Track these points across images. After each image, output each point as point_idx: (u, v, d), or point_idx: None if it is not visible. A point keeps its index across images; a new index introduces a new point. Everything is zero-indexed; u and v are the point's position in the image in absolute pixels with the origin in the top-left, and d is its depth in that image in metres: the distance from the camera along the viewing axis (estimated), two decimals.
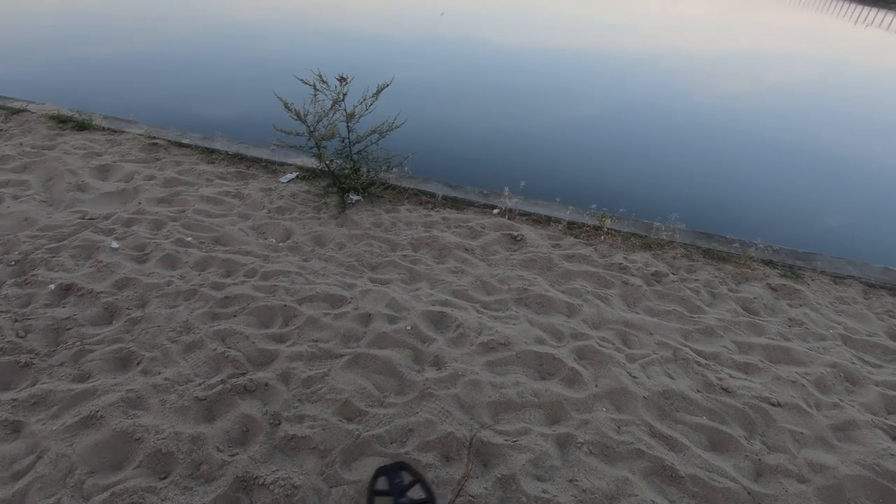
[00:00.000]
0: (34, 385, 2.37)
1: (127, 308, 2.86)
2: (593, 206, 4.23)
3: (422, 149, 5.93)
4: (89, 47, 10.28)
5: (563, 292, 3.33)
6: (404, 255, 3.61)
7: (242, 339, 2.70)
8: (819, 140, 7.92)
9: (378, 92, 4.01)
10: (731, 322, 3.17)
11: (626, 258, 3.76)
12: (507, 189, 4.25)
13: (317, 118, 3.93)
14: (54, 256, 3.21)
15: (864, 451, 2.30)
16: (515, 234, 3.94)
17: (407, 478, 1.43)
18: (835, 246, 4.76)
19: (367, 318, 2.92)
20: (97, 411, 2.21)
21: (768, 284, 3.61)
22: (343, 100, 4.00)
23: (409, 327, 2.84)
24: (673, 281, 3.53)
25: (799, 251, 3.97)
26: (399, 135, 4.27)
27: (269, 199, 4.20)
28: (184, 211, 3.95)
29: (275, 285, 3.13)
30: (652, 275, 3.59)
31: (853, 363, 2.88)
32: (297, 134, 3.96)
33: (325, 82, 3.87)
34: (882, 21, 27.40)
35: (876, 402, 2.63)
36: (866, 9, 31.00)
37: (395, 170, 4.46)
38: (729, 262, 3.83)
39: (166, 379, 2.41)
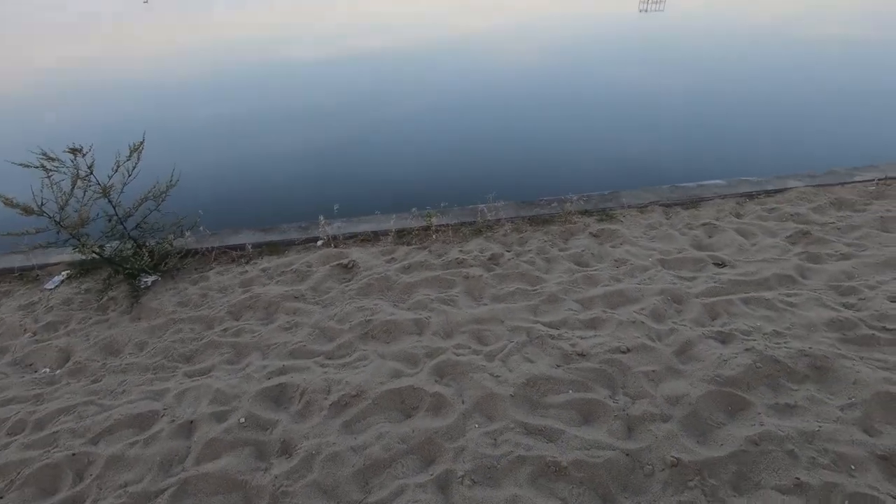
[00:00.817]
0: None
1: None
2: (414, 208, 4.08)
3: (220, 197, 5.29)
4: None
5: (408, 309, 3.12)
6: (224, 330, 3.08)
7: None
8: (596, 84, 8.85)
9: (133, 153, 3.37)
10: (569, 283, 3.25)
11: (461, 250, 3.68)
12: (321, 217, 3.90)
13: (60, 204, 3.16)
14: None
15: (704, 367, 2.45)
16: (346, 261, 3.63)
17: None
18: (636, 178, 5.29)
19: (188, 428, 2.38)
20: None
21: (591, 233, 3.81)
22: (91, 173, 3.29)
23: (242, 419, 2.38)
24: (509, 259, 3.53)
25: (605, 193, 4.28)
26: (186, 189, 3.68)
27: (32, 318, 3.32)
28: None
29: (55, 432, 2.42)
30: (489, 259, 3.55)
31: (674, 284, 3.12)
32: (42, 230, 3.17)
33: (54, 159, 3.12)
34: None
35: (700, 314, 2.86)
36: None
37: (188, 232, 3.83)
38: (553, 223, 3.96)
39: None
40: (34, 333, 3.18)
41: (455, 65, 11.24)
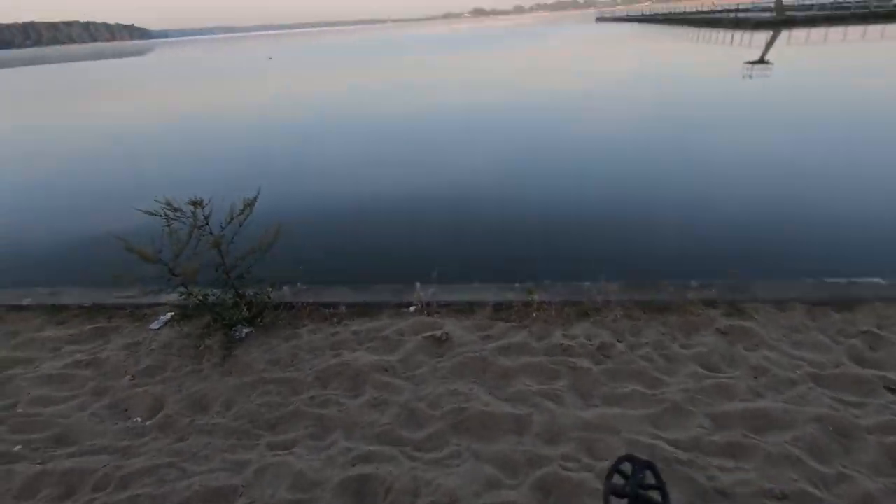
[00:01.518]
0: None
1: None
2: (518, 285, 3.81)
3: (319, 251, 5.37)
4: None
5: (506, 400, 2.80)
6: (311, 399, 2.93)
7: None
8: (721, 163, 8.20)
9: (246, 207, 3.45)
10: (696, 390, 2.77)
11: (565, 335, 3.32)
12: (418, 285, 3.74)
13: (175, 254, 3.26)
14: None
15: None
16: (439, 333, 3.41)
17: (648, 477, 1.09)
18: (767, 264, 4.66)
19: None
20: None
21: (717, 329, 3.31)
22: (206, 224, 3.39)
23: None
24: (622, 352, 3.12)
25: (734, 282, 3.76)
26: (290, 241, 3.71)
27: (134, 360, 3.39)
28: (15, 405, 3.05)
29: (136, 495, 2.32)
30: (598, 349, 3.17)
31: (836, 409, 2.55)
32: (155, 277, 3.27)
33: (176, 209, 3.24)
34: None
35: (879, 458, 2.27)
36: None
37: (285, 287, 3.82)
38: (671, 312, 3.51)
39: None
40: (133, 377, 3.22)
41: (565, 126, 11.09)
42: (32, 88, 35.29)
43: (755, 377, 2.86)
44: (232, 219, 3.42)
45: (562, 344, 3.21)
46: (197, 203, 3.23)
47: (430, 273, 3.83)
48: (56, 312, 4.10)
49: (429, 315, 3.67)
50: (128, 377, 3.23)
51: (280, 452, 2.56)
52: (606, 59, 27.01)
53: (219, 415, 2.87)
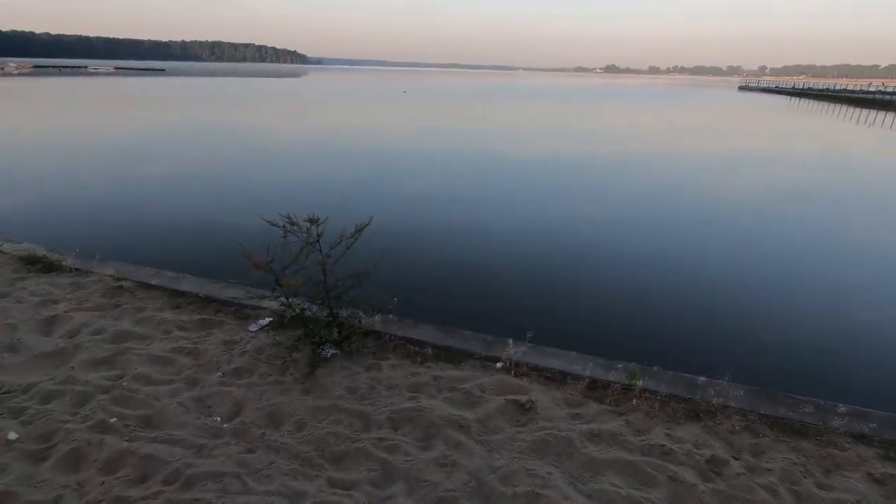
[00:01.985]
0: None
1: None
2: (620, 364, 3.43)
3: (413, 287, 5.35)
4: (77, 182, 10.51)
5: (588, 498, 2.44)
6: (379, 439, 2.80)
7: None
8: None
9: (357, 232, 3.51)
10: None
11: (668, 434, 2.89)
12: (511, 341, 3.52)
13: (283, 265, 3.38)
14: None
15: None
16: (524, 399, 3.14)
17: None
18: None
19: None
20: None
21: (869, 474, 2.66)
22: (317, 241, 3.50)
23: None
24: (739, 473, 2.61)
25: None
26: (387, 273, 3.70)
27: (227, 357, 3.54)
28: (122, 377, 3.29)
29: (196, 500, 2.33)
30: (707, 462, 2.69)
31: None
32: (257, 285, 3.41)
33: (294, 224, 3.38)
34: None
35: None
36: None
37: (377, 316, 3.81)
38: (806, 438, 2.91)
39: None
40: (224, 374, 3.35)
41: (695, 201, 10.26)
42: (203, 95, 41.03)
43: None
44: (341, 240, 3.49)
45: (664, 445, 2.78)
46: (313, 221, 3.35)
47: (525, 332, 3.59)
48: (175, 297, 4.47)
49: (516, 376, 3.42)
50: (219, 373, 3.36)
51: (338, 492, 2.44)
52: (750, 136, 25.19)
53: (289, 434, 2.84)
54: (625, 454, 2.72)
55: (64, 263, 4.98)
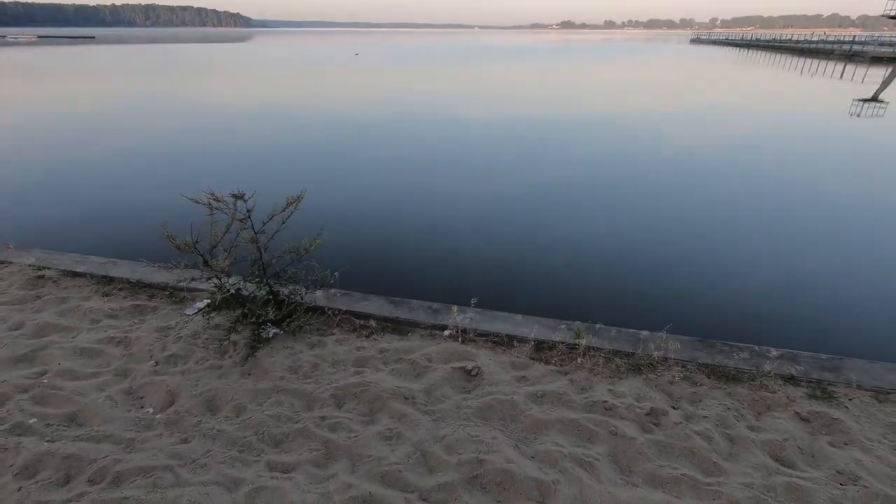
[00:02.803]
0: None
1: None
2: (565, 324, 3.44)
3: (360, 259, 5.21)
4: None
5: (531, 459, 2.46)
6: (322, 418, 2.73)
7: None
8: (828, 206, 7.34)
9: (288, 206, 3.32)
10: (763, 488, 2.31)
11: (611, 390, 2.93)
12: (455, 308, 3.47)
13: (212, 243, 3.19)
14: None
15: None
16: (470, 366, 3.12)
17: None
18: (871, 340, 3.99)
19: None
20: None
21: (796, 413, 2.79)
22: (248, 217, 3.30)
23: None
24: (676, 422, 2.69)
25: (824, 357, 3.19)
26: (332, 247, 3.55)
27: (161, 345, 3.36)
28: (44, 374, 3.08)
29: (125, 498, 2.21)
30: (647, 414, 2.76)
31: None
32: (191, 266, 3.22)
33: (219, 200, 3.17)
34: None
35: None
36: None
37: (318, 291, 3.68)
38: (741, 383, 3.02)
39: None
40: (157, 363, 3.18)
41: (647, 156, 10.36)
42: (141, 65, 38.35)
43: (841, 484, 2.35)
44: (273, 216, 3.31)
45: (606, 401, 2.82)
46: (238, 196, 3.14)
47: (471, 297, 3.55)
48: (105, 284, 4.20)
49: (463, 342, 3.39)
50: (152, 362, 3.19)
51: (278, 475, 2.37)
52: (698, 91, 25.58)
53: (227, 420, 2.73)
54: (568, 413, 2.75)
55: None
